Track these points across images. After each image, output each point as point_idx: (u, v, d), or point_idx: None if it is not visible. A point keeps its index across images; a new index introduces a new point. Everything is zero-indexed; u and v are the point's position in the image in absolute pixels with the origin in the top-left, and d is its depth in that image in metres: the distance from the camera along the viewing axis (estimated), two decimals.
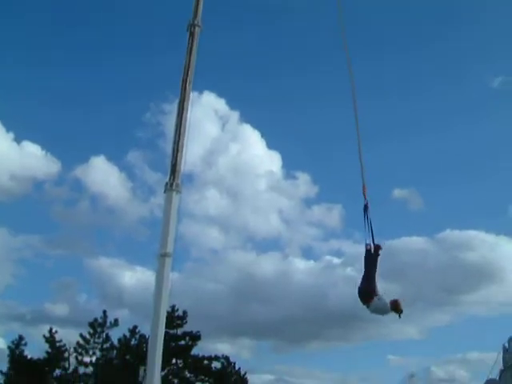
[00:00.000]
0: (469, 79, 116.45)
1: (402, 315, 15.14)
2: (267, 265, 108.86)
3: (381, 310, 15.16)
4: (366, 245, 15.09)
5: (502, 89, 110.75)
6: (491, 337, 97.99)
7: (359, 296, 14.85)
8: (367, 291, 14.85)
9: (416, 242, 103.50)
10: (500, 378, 35.07)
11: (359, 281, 15.06)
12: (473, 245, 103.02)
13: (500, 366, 35.45)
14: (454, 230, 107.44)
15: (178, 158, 30.82)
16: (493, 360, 35.93)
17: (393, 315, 15.41)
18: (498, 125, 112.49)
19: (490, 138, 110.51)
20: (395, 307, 15.26)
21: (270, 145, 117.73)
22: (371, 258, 15.03)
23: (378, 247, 15.05)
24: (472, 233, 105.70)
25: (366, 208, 15.36)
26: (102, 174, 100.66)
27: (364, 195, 15.53)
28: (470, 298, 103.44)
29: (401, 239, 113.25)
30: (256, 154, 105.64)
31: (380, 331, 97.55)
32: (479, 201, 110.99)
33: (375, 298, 14.79)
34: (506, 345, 35.06)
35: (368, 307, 14.88)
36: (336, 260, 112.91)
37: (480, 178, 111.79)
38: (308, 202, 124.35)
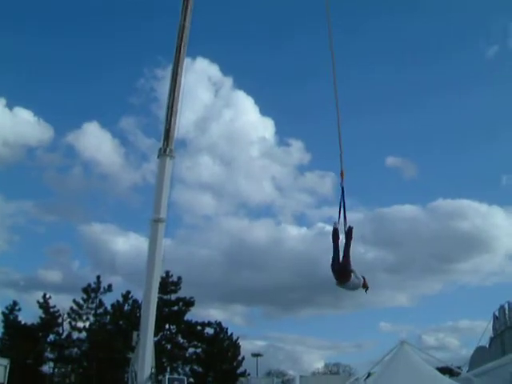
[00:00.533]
0: (463, 49, 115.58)
1: (368, 291, 15.50)
2: (260, 231, 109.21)
3: (355, 286, 15.43)
4: (335, 223, 15.37)
5: (496, 58, 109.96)
6: (482, 305, 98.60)
7: (337, 274, 15.08)
8: (347, 270, 15.13)
9: (408, 210, 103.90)
10: (490, 345, 35.41)
11: (332, 259, 15.31)
12: (465, 214, 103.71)
13: (490, 333, 35.79)
14: (446, 198, 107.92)
15: (172, 123, 30.74)
16: (483, 328, 36.22)
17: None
18: (493, 95, 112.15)
19: (485, 108, 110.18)
20: (364, 284, 15.61)
21: (264, 111, 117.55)
22: (347, 239, 15.46)
23: (350, 229, 15.39)
24: (465, 202, 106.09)
25: (342, 190, 15.68)
26: (95, 140, 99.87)
27: (342, 178, 15.78)
28: (461, 267, 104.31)
29: (393, 207, 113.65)
30: (249, 120, 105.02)
31: (372, 299, 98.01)
32: (472, 170, 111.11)
33: (353, 276, 15.03)
34: (497, 313, 35.31)
35: (343, 285, 15.14)
36: (328, 227, 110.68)
37: (474, 148, 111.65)
38: (301, 169, 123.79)
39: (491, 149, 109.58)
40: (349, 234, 15.38)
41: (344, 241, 15.39)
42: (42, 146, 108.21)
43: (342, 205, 15.63)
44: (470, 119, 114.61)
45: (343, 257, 15.23)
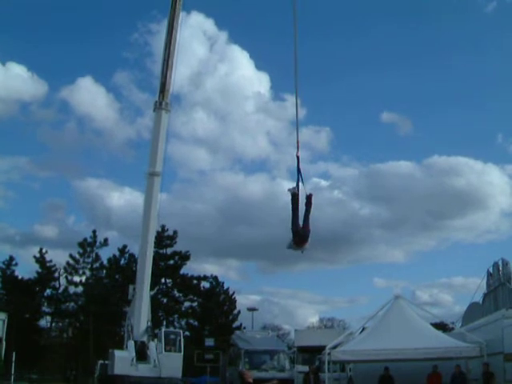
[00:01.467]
0: (462, 5, 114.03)
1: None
2: (255, 186, 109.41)
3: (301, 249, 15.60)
4: (294, 188, 15.53)
5: (495, 14, 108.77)
6: (476, 263, 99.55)
7: (298, 237, 15.23)
8: (307, 235, 15.31)
9: (403, 166, 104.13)
10: (483, 301, 35.56)
11: (291, 223, 15.46)
12: (460, 171, 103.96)
13: (483, 290, 35.93)
14: (441, 155, 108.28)
15: (168, 77, 30.57)
16: (476, 285, 36.34)
17: None
18: (490, 52, 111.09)
19: (482, 66, 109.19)
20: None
21: (259, 66, 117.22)
22: (307, 205, 15.63)
23: (309, 196, 15.54)
24: (460, 159, 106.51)
25: (298, 160, 15.86)
26: (89, 96, 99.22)
27: (297, 147, 15.90)
28: (456, 224, 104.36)
29: (388, 163, 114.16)
30: (244, 75, 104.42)
31: (366, 254, 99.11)
32: (468, 128, 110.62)
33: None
34: (491, 269, 35.43)
35: (297, 247, 15.33)
36: (323, 182, 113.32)
37: (471, 106, 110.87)
38: (296, 124, 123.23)
39: (488, 107, 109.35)
40: (308, 200, 15.55)
41: (305, 207, 15.59)
42: (35, 102, 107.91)
43: (299, 173, 15.81)
44: (468, 76, 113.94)
45: (304, 222, 15.36)
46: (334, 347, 24.26)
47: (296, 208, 15.36)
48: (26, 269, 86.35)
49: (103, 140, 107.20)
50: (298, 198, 15.45)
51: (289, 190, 15.70)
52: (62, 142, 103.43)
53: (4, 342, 28.61)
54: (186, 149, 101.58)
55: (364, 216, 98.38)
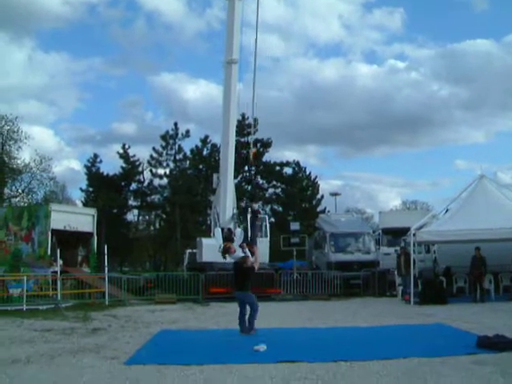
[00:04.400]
0: None
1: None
2: (330, 71, 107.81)
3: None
4: (249, 203, 15.33)
5: None
6: None
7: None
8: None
9: (481, 44, 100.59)
10: None
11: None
12: None
13: None
14: None
15: None
16: None
17: None
18: None
19: None
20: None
21: None
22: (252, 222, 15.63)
23: (257, 212, 15.33)
24: None
25: (249, 170, 15.57)
26: None
27: (253, 157, 15.52)
28: None
29: (465, 42, 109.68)
30: None
31: (447, 136, 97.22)
32: None
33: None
34: None
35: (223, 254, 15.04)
36: (400, 64, 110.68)
37: None
38: (368, 6, 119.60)
39: None
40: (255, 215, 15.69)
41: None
42: (103, 2, 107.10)
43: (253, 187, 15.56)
44: None
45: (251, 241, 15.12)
46: (419, 228, 24.25)
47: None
48: (110, 166, 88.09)
49: (174, 34, 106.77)
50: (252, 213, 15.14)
51: (247, 204, 15.54)
52: (133, 39, 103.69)
53: (95, 237, 29.80)
54: (259, 36, 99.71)
55: (443, 97, 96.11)
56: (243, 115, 56.29)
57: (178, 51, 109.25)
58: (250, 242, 15.09)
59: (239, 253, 14.74)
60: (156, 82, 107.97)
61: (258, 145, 59.41)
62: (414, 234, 23.63)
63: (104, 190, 56.85)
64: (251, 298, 14.35)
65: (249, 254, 14.39)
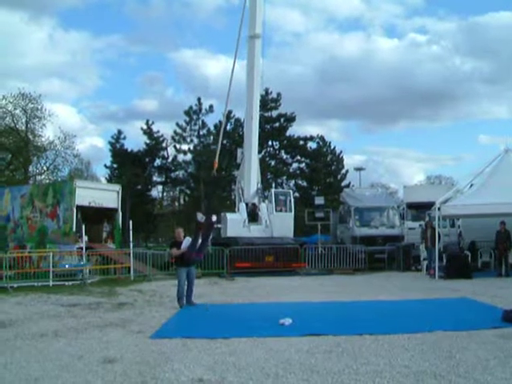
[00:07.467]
0: None
1: None
2: (351, 45, 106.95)
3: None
4: (202, 217, 15.01)
5: None
6: None
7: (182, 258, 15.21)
8: (192, 261, 15.35)
9: (504, 17, 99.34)
10: None
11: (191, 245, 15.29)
12: None
13: None
14: None
15: None
16: None
17: None
18: None
19: None
20: None
21: None
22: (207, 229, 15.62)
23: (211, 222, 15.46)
24: None
25: (213, 180, 15.47)
26: None
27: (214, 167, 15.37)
28: None
29: (487, 15, 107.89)
30: None
31: (470, 110, 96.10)
32: None
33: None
34: None
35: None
36: (420, 37, 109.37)
37: None
38: None
39: None
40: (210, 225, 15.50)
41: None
42: None
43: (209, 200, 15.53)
44: None
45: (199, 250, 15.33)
46: (444, 202, 24.10)
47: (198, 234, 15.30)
48: (133, 142, 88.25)
49: (192, 10, 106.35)
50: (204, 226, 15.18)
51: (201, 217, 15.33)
52: (151, 16, 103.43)
53: (120, 212, 29.95)
54: (279, 12, 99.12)
55: (466, 71, 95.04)
56: (266, 90, 56.14)
57: (198, 27, 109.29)
58: (197, 251, 15.31)
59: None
60: (176, 58, 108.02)
61: (282, 119, 59.30)
62: (439, 208, 23.51)
63: (128, 166, 56.80)
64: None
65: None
